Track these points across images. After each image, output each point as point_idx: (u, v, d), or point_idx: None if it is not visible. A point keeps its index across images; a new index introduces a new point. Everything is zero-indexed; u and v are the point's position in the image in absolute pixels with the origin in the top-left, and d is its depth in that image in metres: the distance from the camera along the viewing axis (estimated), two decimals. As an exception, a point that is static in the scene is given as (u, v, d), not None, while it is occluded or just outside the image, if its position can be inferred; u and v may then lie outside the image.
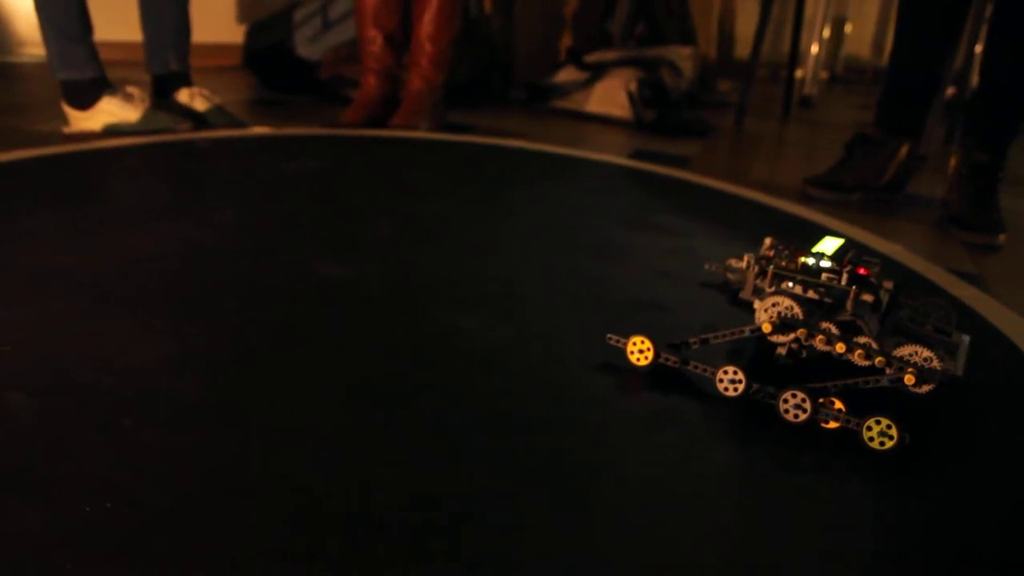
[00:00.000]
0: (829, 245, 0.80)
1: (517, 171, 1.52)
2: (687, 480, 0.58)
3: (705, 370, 0.71)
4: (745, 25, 3.57)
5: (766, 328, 0.73)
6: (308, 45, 2.36)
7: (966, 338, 0.81)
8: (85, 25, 1.60)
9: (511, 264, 0.99)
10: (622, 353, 0.75)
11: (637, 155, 1.86)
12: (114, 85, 1.65)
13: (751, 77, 2.49)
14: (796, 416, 0.65)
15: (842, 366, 0.72)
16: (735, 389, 0.69)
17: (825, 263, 0.75)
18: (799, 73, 3.04)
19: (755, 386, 0.69)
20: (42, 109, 1.84)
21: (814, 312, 0.74)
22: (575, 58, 2.55)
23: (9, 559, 0.45)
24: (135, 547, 0.46)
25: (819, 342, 0.71)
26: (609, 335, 0.76)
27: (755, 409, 0.68)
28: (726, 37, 3.56)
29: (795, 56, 2.81)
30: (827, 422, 0.66)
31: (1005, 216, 1.40)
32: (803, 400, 0.65)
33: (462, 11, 2.02)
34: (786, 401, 0.66)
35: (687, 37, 2.99)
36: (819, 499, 0.57)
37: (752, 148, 2.19)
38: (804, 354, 0.75)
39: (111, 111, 1.63)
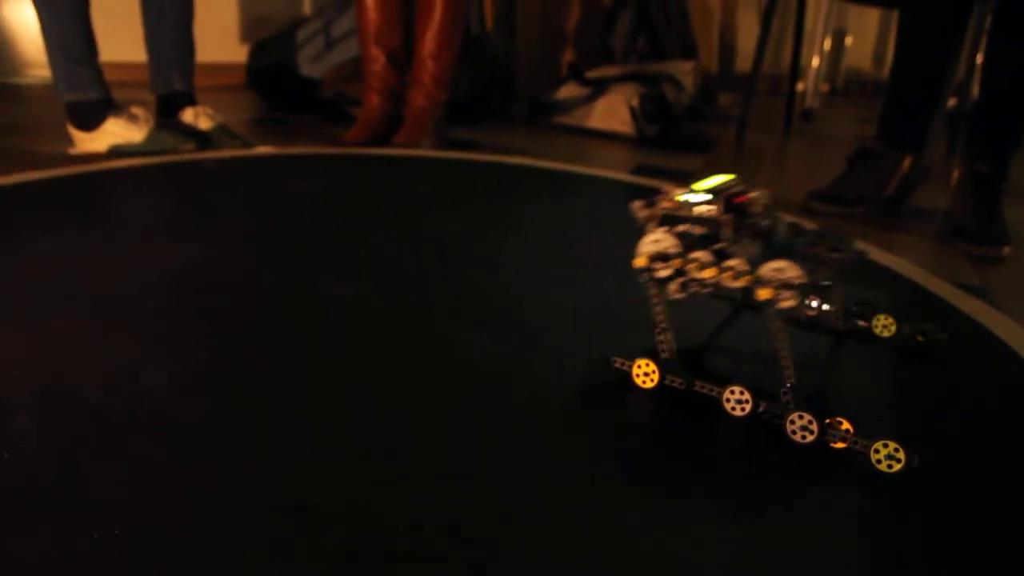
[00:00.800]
0: (713, 180, 0.80)
1: (520, 188, 1.53)
2: (690, 497, 0.58)
3: (712, 390, 0.71)
4: (746, 38, 3.58)
5: (638, 263, 0.75)
6: (311, 64, 2.37)
7: (861, 253, 0.79)
8: (90, 47, 1.61)
9: (515, 281, 0.99)
10: (628, 373, 0.75)
11: (640, 170, 1.86)
12: (119, 106, 1.66)
13: (752, 91, 2.49)
14: (804, 437, 0.65)
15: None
16: (742, 409, 0.69)
17: (701, 196, 0.75)
18: (800, 86, 3.05)
19: (762, 406, 0.68)
20: (48, 130, 1.85)
21: (700, 244, 0.74)
22: (577, 74, 2.56)
23: (18, 584, 0.45)
24: (143, 570, 0.46)
25: (694, 269, 0.72)
26: (614, 358, 0.76)
27: (760, 428, 0.68)
28: (727, 50, 3.58)
29: (796, 69, 2.82)
30: (835, 442, 0.65)
31: (1009, 227, 1.40)
32: (810, 422, 0.65)
33: (464, 28, 2.03)
34: (793, 422, 0.66)
35: (688, 51, 3.00)
36: (822, 510, 0.57)
37: (754, 162, 2.20)
38: (693, 287, 0.75)
39: (116, 132, 1.64)
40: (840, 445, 0.65)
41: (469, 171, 1.66)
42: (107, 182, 1.40)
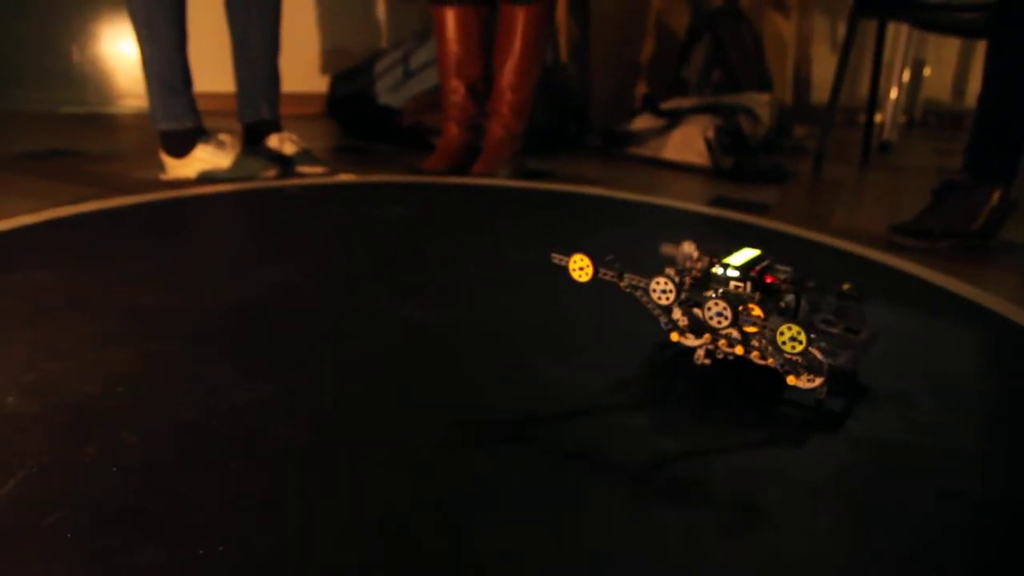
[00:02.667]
0: (741, 256, 0.85)
1: (597, 218, 1.53)
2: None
3: (640, 282, 0.76)
4: (820, 70, 3.54)
5: (673, 336, 0.82)
6: (389, 94, 2.43)
7: (873, 336, 0.84)
8: (187, 78, 1.68)
9: (595, 312, 1.00)
10: (716, 408, 0.75)
11: (717, 202, 1.85)
12: (209, 132, 1.73)
13: (830, 122, 2.46)
14: (719, 323, 0.71)
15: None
16: (667, 298, 0.74)
17: (732, 272, 0.80)
18: (878, 117, 3.00)
19: (684, 293, 0.75)
20: (140, 157, 1.93)
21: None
22: (651, 105, 2.56)
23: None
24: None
25: (723, 345, 0.79)
26: (553, 253, 0.81)
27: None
28: (801, 82, 3.54)
29: (874, 100, 2.77)
30: (747, 327, 0.74)
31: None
32: (724, 308, 0.70)
33: (542, 60, 2.05)
34: (710, 309, 0.71)
35: (763, 83, 2.99)
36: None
37: (832, 194, 2.16)
38: (720, 355, 0.81)
39: (205, 158, 1.70)
40: (751, 329, 0.73)
41: (545, 201, 1.67)
42: (196, 207, 1.45)
